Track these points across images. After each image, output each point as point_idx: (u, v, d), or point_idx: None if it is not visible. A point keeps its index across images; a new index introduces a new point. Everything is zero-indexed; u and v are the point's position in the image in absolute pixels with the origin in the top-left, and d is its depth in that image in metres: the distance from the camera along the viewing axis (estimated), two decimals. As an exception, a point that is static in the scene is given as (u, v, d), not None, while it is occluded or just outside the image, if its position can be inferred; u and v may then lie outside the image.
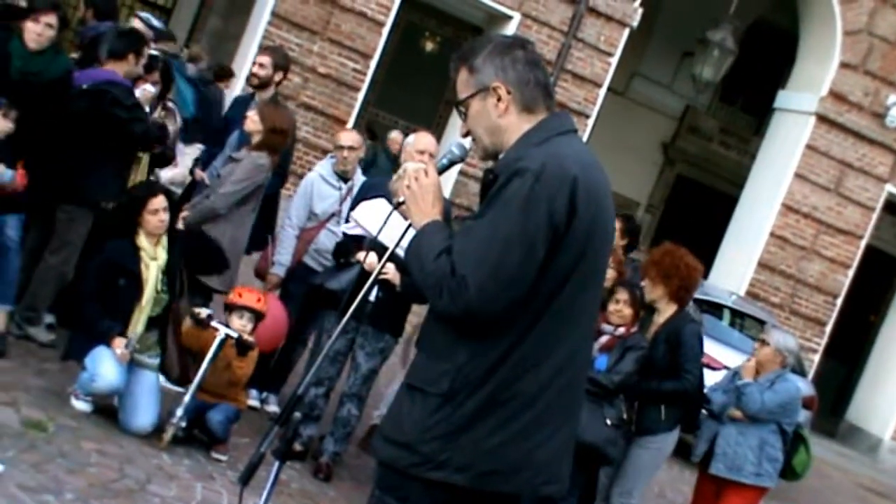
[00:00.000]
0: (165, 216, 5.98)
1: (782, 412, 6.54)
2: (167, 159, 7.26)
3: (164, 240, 6.04)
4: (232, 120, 7.77)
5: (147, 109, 6.97)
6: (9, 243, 6.26)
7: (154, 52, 7.23)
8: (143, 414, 5.80)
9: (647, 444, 6.37)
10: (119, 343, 5.70)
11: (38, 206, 6.45)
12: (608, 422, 6.10)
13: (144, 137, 6.72)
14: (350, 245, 6.26)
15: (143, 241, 5.94)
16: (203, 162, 7.54)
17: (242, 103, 7.97)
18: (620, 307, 6.43)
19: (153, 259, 5.93)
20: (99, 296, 5.85)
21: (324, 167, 7.21)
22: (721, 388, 6.73)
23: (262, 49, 8.28)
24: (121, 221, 6.03)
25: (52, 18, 6.22)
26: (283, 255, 7.03)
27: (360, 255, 6.03)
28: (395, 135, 14.18)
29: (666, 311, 6.42)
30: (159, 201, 5.97)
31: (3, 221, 6.25)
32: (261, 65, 7.72)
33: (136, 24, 7.78)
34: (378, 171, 12.81)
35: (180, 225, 6.38)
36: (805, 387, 10.23)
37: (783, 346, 6.69)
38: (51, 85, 6.29)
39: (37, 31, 6.18)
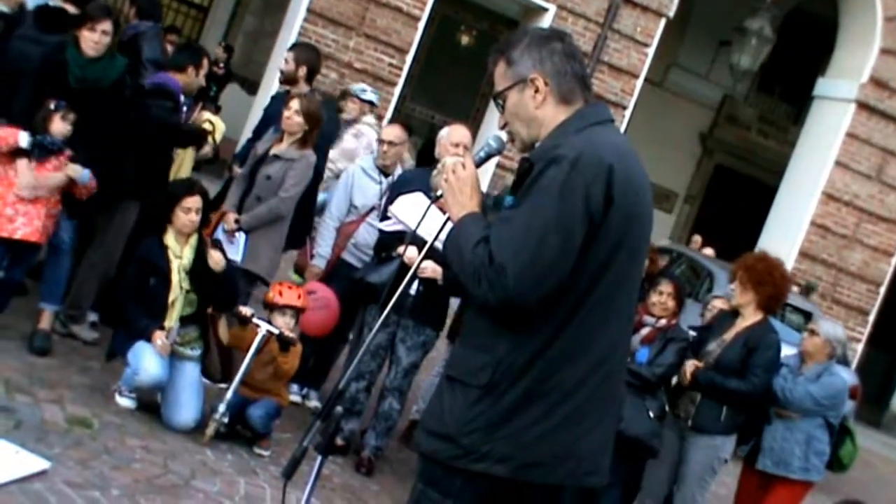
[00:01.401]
0: (197, 217, 5.99)
1: (829, 405, 6.47)
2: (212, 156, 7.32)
3: (194, 240, 6.04)
4: (270, 116, 7.79)
5: (182, 99, 7.02)
6: (62, 245, 6.32)
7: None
8: (186, 410, 5.85)
9: (702, 444, 6.27)
10: (159, 335, 5.75)
11: (92, 206, 6.50)
12: (651, 414, 6.07)
13: (188, 141, 6.84)
14: (391, 239, 6.27)
15: (170, 238, 5.96)
16: (241, 158, 7.55)
17: (279, 99, 7.99)
18: (664, 299, 6.40)
19: (177, 257, 5.94)
20: (136, 295, 5.90)
21: (365, 160, 7.18)
22: (782, 378, 6.64)
23: (291, 46, 8.26)
24: (155, 216, 6.07)
25: (107, 25, 6.27)
26: (323, 247, 7.03)
27: (401, 249, 6.05)
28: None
29: (750, 317, 6.32)
30: (194, 201, 5.98)
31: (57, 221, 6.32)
32: (285, 61, 7.75)
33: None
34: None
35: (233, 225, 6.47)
36: (849, 377, 10.13)
37: (832, 336, 6.60)
38: (109, 89, 6.38)
39: (94, 40, 6.23)
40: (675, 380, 6.36)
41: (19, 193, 5.97)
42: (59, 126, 6.10)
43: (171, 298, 5.89)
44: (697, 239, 16.82)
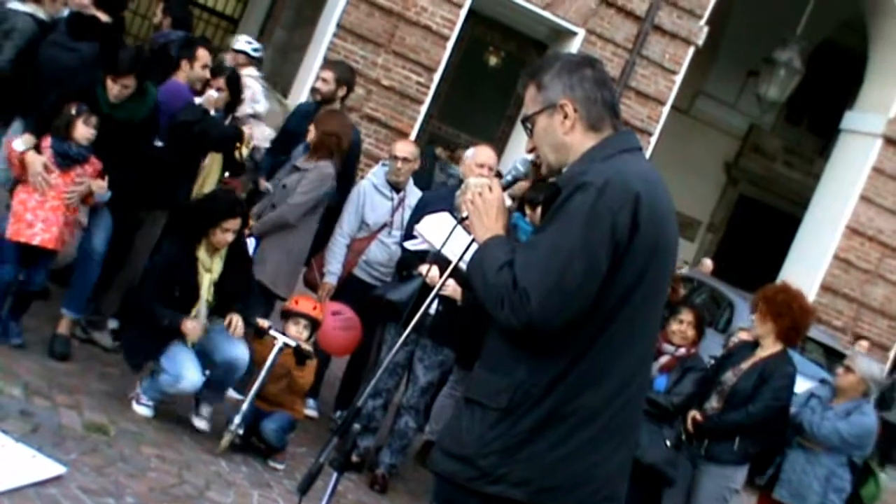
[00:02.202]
0: (232, 238, 6.01)
1: (856, 444, 6.41)
2: (239, 165, 7.34)
3: (223, 252, 6.06)
4: (296, 131, 7.82)
5: (212, 113, 7.07)
6: (93, 255, 6.31)
7: (224, 63, 7.34)
8: (189, 371, 5.79)
9: (714, 473, 6.25)
10: (189, 323, 5.77)
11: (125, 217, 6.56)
12: (668, 443, 6.05)
13: (222, 141, 6.89)
14: (413, 258, 6.27)
15: (202, 252, 5.97)
16: (267, 171, 7.60)
17: (304, 114, 8.02)
18: (685, 328, 6.40)
19: (208, 271, 5.97)
20: (160, 303, 5.92)
21: (376, 176, 7.14)
22: (810, 410, 6.60)
23: (326, 63, 8.28)
24: (191, 225, 6.05)
25: (129, 81, 6.25)
26: (333, 263, 7.02)
27: (423, 268, 6.06)
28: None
29: (769, 347, 6.29)
30: (235, 223, 5.98)
31: (91, 230, 6.35)
32: (324, 80, 7.74)
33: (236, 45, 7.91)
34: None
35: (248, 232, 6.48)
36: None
37: (868, 374, 6.52)
38: (141, 124, 6.43)
39: (114, 92, 6.25)
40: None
41: (34, 181, 5.97)
42: (83, 131, 6.07)
43: (194, 311, 5.90)
44: (707, 262, 16.77)
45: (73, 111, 6.08)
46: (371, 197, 7.04)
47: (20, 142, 6.02)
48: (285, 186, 6.87)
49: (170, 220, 6.76)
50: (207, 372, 5.90)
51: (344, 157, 7.01)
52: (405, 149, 7.14)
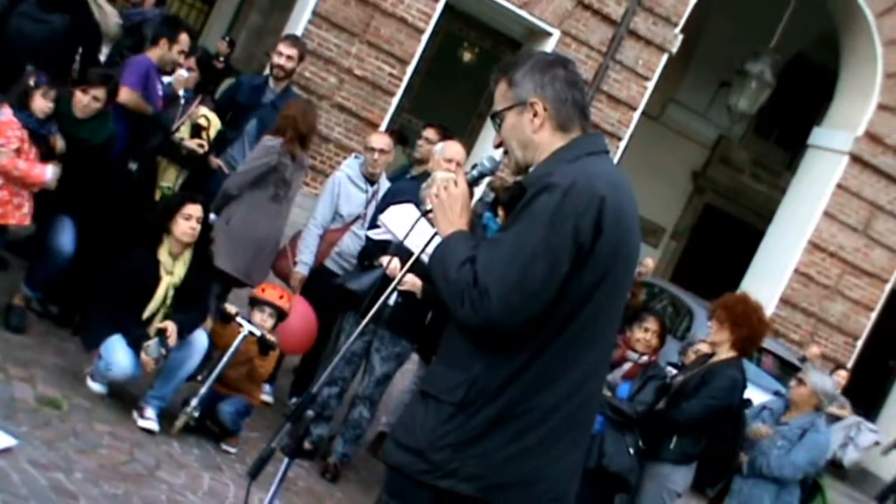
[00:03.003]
0: (197, 226, 5.92)
1: (812, 469, 6.47)
2: (203, 157, 7.31)
3: (187, 255, 5.97)
4: (247, 104, 7.80)
5: (181, 92, 7.03)
6: (59, 253, 6.25)
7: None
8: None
9: (653, 472, 6.20)
10: (145, 357, 5.64)
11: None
12: (630, 450, 6.09)
13: (188, 160, 7.07)
14: (374, 248, 6.27)
15: (163, 254, 5.90)
16: (217, 149, 7.57)
17: (255, 88, 8.00)
18: (650, 336, 6.42)
19: (168, 273, 5.89)
20: (117, 299, 5.86)
21: (351, 167, 7.14)
22: (762, 422, 6.63)
23: (289, 38, 8.17)
24: (151, 225, 5.96)
25: (100, 92, 6.26)
26: (305, 254, 7.01)
27: (384, 259, 6.05)
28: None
29: (723, 355, 6.24)
30: (195, 209, 5.91)
31: (57, 226, 6.28)
32: (289, 57, 7.77)
33: None
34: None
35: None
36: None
37: (820, 388, 6.53)
38: (98, 148, 6.42)
39: (83, 103, 6.24)
40: None
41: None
42: (41, 103, 6.02)
43: (147, 311, 5.82)
44: (649, 262, 16.79)
45: (32, 82, 6.00)
46: (346, 188, 7.03)
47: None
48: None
49: (132, 224, 6.68)
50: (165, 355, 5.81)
51: (302, 141, 7.00)
52: (381, 140, 7.13)
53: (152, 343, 5.60)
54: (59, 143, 6.18)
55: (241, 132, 7.62)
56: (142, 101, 6.83)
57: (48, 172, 6.02)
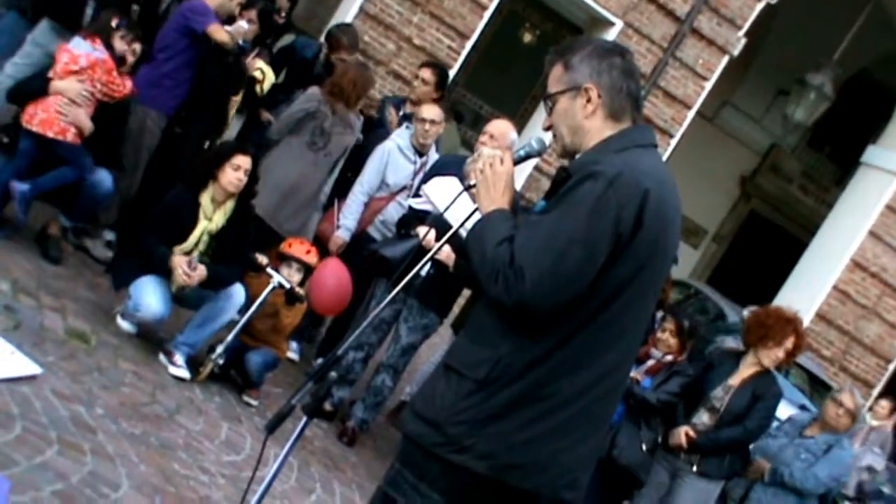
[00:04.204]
0: (244, 178, 5.94)
1: (834, 485, 6.46)
2: (260, 101, 7.37)
3: (229, 206, 5.99)
4: (298, 74, 7.83)
5: (240, 42, 7.06)
6: (101, 182, 6.32)
7: None
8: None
9: (700, 487, 6.30)
10: (180, 261, 5.72)
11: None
12: (644, 446, 6.09)
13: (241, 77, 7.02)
14: (413, 218, 6.27)
15: (205, 199, 5.92)
16: (268, 103, 7.65)
17: (310, 60, 8.04)
18: (666, 336, 6.42)
19: (207, 218, 5.91)
20: (150, 235, 5.89)
21: (402, 137, 7.11)
22: (782, 433, 6.64)
23: (354, 47, 8.23)
24: (199, 169, 6.00)
25: (137, 47, 6.51)
26: (349, 218, 7.01)
27: (421, 230, 6.05)
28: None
29: (754, 366, 6.36)
30: (245, 160, 5.93)
31: (93, 168, 6.35)
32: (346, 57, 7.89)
33: None
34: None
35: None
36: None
37: (857, 410, 6.59)
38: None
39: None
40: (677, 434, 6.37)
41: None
42: (119, 45, 6.20)
43: (177, 250, 5.82)
44: None
45: (114, 24, 6.16)
46: (394, 158, 7.01)
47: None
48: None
49: (185, 167, 6.74)
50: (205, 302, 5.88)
51: (343, 97, 7.03)
52: (431, 111, 7.06)
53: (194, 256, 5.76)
54: (128, 84, 6.33)
55: (290, 98, 7.63)
56: (230, 34, 6.92)
57: (129, 85, 6.31)
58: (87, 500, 4.02)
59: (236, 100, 7.48)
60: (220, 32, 6.70)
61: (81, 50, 6.11)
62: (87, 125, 6.10)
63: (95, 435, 4.53)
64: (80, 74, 6.07)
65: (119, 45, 6.22)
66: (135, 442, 4.72)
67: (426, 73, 7.62)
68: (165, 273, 5.82)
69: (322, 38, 8.50)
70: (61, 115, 6.00)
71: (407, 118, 7.40)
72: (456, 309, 6.70)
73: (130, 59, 6.43)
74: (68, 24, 6.58)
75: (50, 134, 6.00)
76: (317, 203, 7.21)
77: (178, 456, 4.88)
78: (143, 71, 6.69)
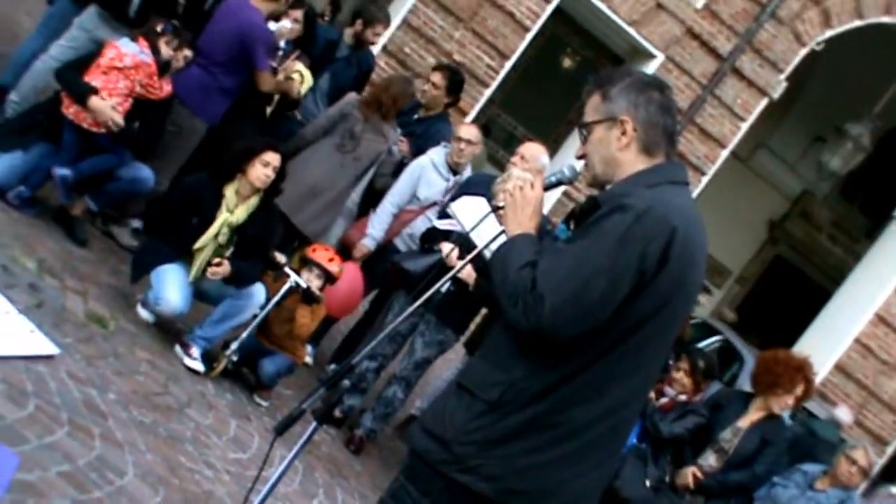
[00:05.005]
0: (272, 175, 5.98)
1: None
2: (295, 103, 7.41)
3: (254, 201, 6.01)
4: (322, 59, 7.84)
5: (282, 43, 7.11)
6: (143, 185, 6.44)
7: None
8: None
9: None
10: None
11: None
12: (647, 483, 6.07)
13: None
14: (438, 233, 6.29)
15: (230, 190, 5.96)
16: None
17: (333, 43, 8.04)
18: (680, 376, 6.41)
19: (229, 210, 5.93)
20: (173, 223, 5.95)
21: (437, 154, 7.15)
22: (793, 484, 6.62)
23: (384, 20, 8.25)
24: (228, 161, 6.03)
25: (189, 53, 6.59)
26: (376, 228, 7.05)
27: (444, 246, 6.07)
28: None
29: (764, 409, 6.36)
30: (275, 157, 5.97)
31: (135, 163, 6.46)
32: (377, 35, 8.03)
33: None
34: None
35: None
36: None
37: (869, 468, 6.57)
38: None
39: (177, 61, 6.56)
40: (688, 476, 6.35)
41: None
42: (165, 50, 6.34)
43: (198, 242, 5.87)
44: (728, 313, 16.61)
45: (159, 28, 6.29)
46: (427, 173, 7.06)
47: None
48: None
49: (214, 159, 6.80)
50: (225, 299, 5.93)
51: (379, 108, 7.06)
52: (469, 132, 7.14)
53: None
54: (167, 88, 6.46)
55: (313, 85, 7.67)
56: (284, 85, 7.14)
57: (169, 85, 6.45)
58: (93, 485, 4.04)
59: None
60: (269, 83, 6.93)
61: (128, 50, 6.24)
62: (118, 121, 6.17)
63: (106, 420, 4.56)
64: (122, 72, 6.17)
65: (165, 49, 6.34)
66: (144, 431, 4.74)
67: (436, 77, 7.64)
68: (185, 257, 5.85)
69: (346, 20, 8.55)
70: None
71: (409, 125, 7.44)
72: (471, 327, 6.70)
73: (180, 64, 6.53)
74: (114, 12, 6.67)
75: (84, 125, 6.10)
76: (342, 208, 7.22)
77: (185, 448, 4.90)
78: (195, 76, 6.74)
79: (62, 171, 6.08)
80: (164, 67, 6.39)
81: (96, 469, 4.16)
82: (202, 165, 6.67)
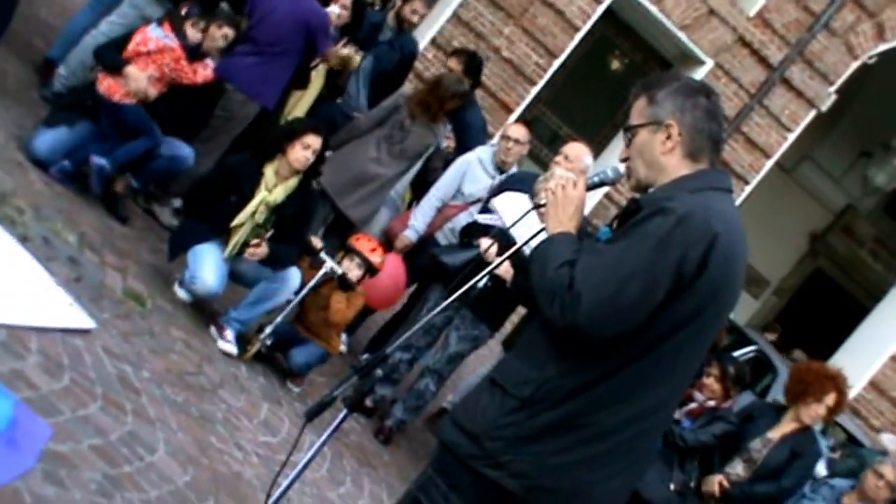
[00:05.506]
0: (312, 158, 6.00)
1: None
2: (340, 89, 7.44)
3: (293, 182, 6.04)
4: (365, 43, 7.85)
5: (330, 29, 7.16)
6: (183, 164, 6.51)
7: None
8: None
9: None
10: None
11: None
12: (672, 486, 6.04)
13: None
14: (477, 228, 6.29)
15: (269, 170, 5.99)
16: None
17: (376, 27, 8.05)
18: (710, 381, 6.38)
19: (267, 190, 5.96)
20: (211, 200, 5.99)
21: (485, 152, 7.16)
22: (820, 497, 6.60)
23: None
24: (269, 141, 6.08)
25: (230, 32, 6.73)
26: (419, 220, 7.06)
27: (483, 242, 6.06)
28: None
29: (794, 422, 6.32)
30: (316, 140, 6.00)
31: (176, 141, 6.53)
32: (422, 16, 8.02)
33: None
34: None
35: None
36: None
37: None
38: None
39: (215, 38, 6.66)
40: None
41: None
42: (192, 32, 6.42)
43: (236, 220, 5.90)
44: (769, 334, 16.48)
45: (184, 12, 6.41)
46: (474, 170, 7.07)
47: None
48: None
49: (255, 136, 6.85)
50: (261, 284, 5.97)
51: (426, 107, 7.06)
52: (518, 131, 7.16)
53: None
54: (204, 71, 6.51)
55: (356, 69, 7.68)
56: (346, 58, 7.24)
57: (209, 66, 6.52)
58: (123, 459, 4.08)
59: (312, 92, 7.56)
60: (335, 59, 7.06)
61: (153, 34, 6.34)
62: (151, 93, 6.25)
63: (139, 397, 4.61)
64: (149, 57, 6.24)
65: (191, 32, 6.41)
66: (176, 409, 4.78)
67: (453, 62, 7.62)
68: (223, 237, 5.89)
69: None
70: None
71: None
72: (509, 326, 6.70)
73: (219, 43, 6.63)
74: None
75: (116, 97, 6.16)
76: (386, 198, 7.23)
77: (215, 429, 4.94)
78: (250, 63, 6.79)
79: (99, 161, 6.12)
80: (193, 51, 6.43)
81: (127, 444, 4.20)
82: (246, 147, 6.72)
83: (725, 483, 6.21)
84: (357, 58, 7.37)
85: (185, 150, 6.49)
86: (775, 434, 6.29)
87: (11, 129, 6.12)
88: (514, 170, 7.13)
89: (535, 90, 13.99)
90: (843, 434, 12.27)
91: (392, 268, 6.60)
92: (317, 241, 6.30)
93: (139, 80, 6.17)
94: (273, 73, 6.86)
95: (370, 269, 6.28)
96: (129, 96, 6.20)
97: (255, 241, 5.85)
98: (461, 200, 7.04)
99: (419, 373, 6.61)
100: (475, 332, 6.33)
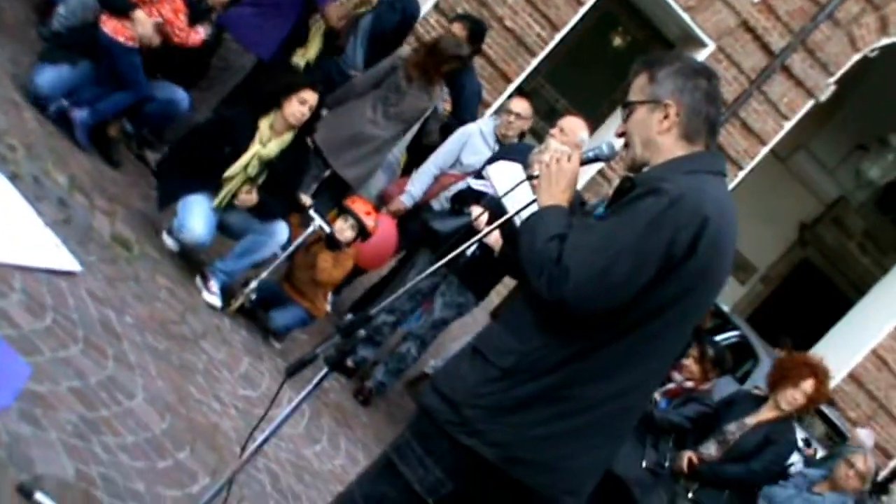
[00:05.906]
0: (308, 113, 5.98)
1: None
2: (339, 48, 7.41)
3: (286, 137, 6.02)
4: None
5: None
6: (177, 108, 6.46)
7: None
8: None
9: None
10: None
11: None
12: (643, 464, 6.06)
13: None
14: (469, 196, 6.29)
15: (264, 123, 5.96)
16: None
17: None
18: (689, 362, 6.39)
19: (261, 143, 5.94)
20: (204, 150, 5.96)
21: (486, 125, 7.16)
22: (791, 485, 6.64)
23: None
24: (266, 93, 6.06)
25: None
26: (416, 186, 7.05)
27: (474, 210, 6.06)
28: None
29: (774, 410, 6.35)
30: (313, 96, 5.98)
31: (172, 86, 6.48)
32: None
33: None
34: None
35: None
36: None
37: (868, 474, 6.57)
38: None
39: None
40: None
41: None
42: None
43: (228, 171, 5.88)
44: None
45: None
46: (474, 141, 7.06)
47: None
48: None
49: (251, 86, 6.81)
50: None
51: (422, 70, 7.01)
52: (520, 105, 7.17)
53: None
54: (202, 32, 6.45)
55: (355, 27, 7.64)
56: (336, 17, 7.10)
57: (200, 34, 6.37)
58: (101, 403, 4.08)
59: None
60: (333, 17, 6.95)
61: None
62: (155, 40, 6.20)
63: (120, 342, 4.60)
64: (149, 5, 6.16)
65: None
66: (157, 357, 4.78)
67: (456, 27, 7.58)
68: (214, 189, 5.87)
69: None
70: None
71: None
72: (496, 297, 6.71)
73: None
74: None
75: (120, 39, 6.08)
76: (382, 160, 7.20)
77: (195, 380, 4.94)
78: (248, 14, 6.76)
79: (80, 114, 6.07)
80: (196, 9, 6.36)
81: (106, 388, 4.19)
82: (243, 99, 6.69)
83: (695, 460, 6.24)
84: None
85: (179, 94, 6.44)
86: (752, 420, 6.33)
87: (7, 66, 6.08)
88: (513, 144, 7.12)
89: (535, 62, 13.93)
90: (823, 427, 12.36)
91: (384, 229, 6.59)
92: (306, 199, 6.29)
93: (146, 24, 6.10)
94: (270, 25, 6.80)
95: (363, 233, 6.27)
96: (134, 40, 6.13)
97: (245, 189, 5.84)
98: (459, 170, 7.03)
99: (402, 336, 6.62)
100: (461, 300, 6.34)
